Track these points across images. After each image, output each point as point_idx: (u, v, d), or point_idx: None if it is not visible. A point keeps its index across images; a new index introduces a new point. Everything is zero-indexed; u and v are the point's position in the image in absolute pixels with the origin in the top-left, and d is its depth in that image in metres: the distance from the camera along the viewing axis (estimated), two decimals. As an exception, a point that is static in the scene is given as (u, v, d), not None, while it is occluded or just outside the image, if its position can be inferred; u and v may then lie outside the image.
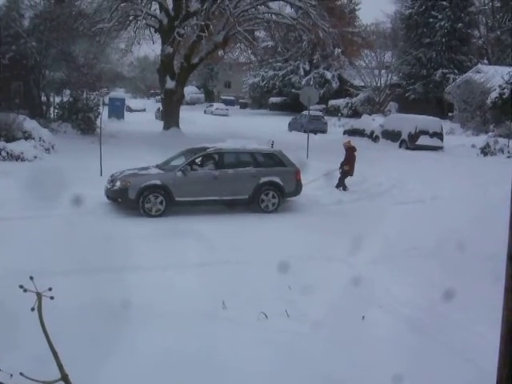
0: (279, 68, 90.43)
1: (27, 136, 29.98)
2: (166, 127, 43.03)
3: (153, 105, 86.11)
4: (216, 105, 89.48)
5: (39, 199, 16.82)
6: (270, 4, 44.70)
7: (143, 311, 10.03)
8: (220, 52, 50.66)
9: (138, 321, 9.61)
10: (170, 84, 42.80)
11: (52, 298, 2.17)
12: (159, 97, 63.43)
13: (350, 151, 25.37)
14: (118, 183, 19.45)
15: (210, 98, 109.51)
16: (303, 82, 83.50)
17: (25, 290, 2.16)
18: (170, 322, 9.81)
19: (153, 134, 37.91)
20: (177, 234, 16.18)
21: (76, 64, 45.01)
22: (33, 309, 2.16)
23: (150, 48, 51.17)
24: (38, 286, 2.41)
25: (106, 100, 54.76)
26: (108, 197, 19.87)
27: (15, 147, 28.00)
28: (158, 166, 20.83)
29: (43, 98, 45.60)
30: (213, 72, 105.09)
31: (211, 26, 40.17)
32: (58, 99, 47.83)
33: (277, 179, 20.80)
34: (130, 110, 76.73)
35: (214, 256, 13.77)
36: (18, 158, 27.66)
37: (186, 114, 46.59)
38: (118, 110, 58.51)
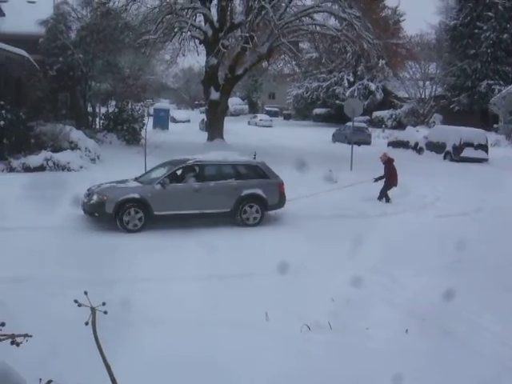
0: (323, 79, 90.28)
1: (73, 146, 30.36)
2: (210, 138, 43.18)
3: (197, 116, 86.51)
4: (260, 116, 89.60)
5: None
6: (315, 15, 44.69)
7: (190, 321, 10.10)
8: (264, 63, 50.68)
9: (187, 331, 9.69)
10: (215, 95, 42.98)
11: (105, 312, 2.21)
12: (203, 108, 63.80)
13: (389, 163, 25.13)
14: (95, 197, 18.79)
15: (253, 109, 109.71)
16: (347, 94, 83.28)
17: (79, 305, 2.21)
18: (216, 332, 9.87)
19: (197, 145, 38.00)
20: (203, 245, 16.20)
21: (121, 75, 45.58)
22: (87, 323, 2.21)
23: (195, 59, 51.72)
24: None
25: (151, 111, 55.22)
26: (85, 211, 19.20)
27: (62, 157, 28.34)
28: (137, 179, 20.22)
29: (89, 109, 46.19)
30: (257, 83, 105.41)
31: (255, 38, 40.28)
32: (103, 110, 48.41)
33: (259, 191, 20.24)
34: (175, 120, 77.20)
35: (250, 268, 13.80)
36: (65, 168, 27.99)
37: (230, 125, 46.78)
38: (162, 120, 58.90)
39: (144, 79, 55.14)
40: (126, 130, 40.84)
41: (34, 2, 47.61)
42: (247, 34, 39.80)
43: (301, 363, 8.97)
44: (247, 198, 20.10)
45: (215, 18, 43.08)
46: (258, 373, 8.54)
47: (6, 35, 36.11)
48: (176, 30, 43.99)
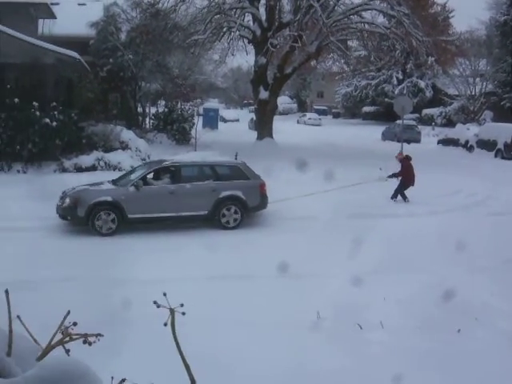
0: (372, 77, 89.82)
1: (124, 146, 30.65)
2: (260, 137, 43.24)
3: (246, 115, 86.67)
4: (309, 115, 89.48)
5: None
6: (363, 13, 44.49)
7: (246, 322, 10.18)
8: (313, 62, 50.66)
9: (242, 331, 9.76)
10: (264, 94, 43.04)
11: (183, 313, 2.26)
12: (252, 107, 63.89)
13: (405, 162, 24.61)
14: (67, 200, 18.51)
15: (302, 107, 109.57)
16: (396, 91, 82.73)
17: (158, 306, 2.25)
18: (269, 332, 9.93)
19: (246, 145, 38.15)
20: (249, 243, 16.23)
21: (171, 75, 45.93)
22: (165, 324, 2.25)
23: (244, 59, 51.68)
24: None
25: (200, 110, 55.51)
26: (59, 215, 18.84)
27: (113, 157, 28.62)
28: (113, 181, 19.77)
29: (139, 109, 46.61)
30: (305, 82, 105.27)
31: (304, 37, 40.25)
32: (153, 110, 48.81)
33: (239, 193, 19.63)
34: (224, 120, 77.49)
35: (300, 268, 13.84)
36: (116, 167, 28.24)
37: (278, 124, 46.81)
38: (212, 120, 59.18)
39: (193, 79, 55.44)
40: (176, 129, 41.17)
41: (84, 5, 48.19)
42: (296, 33, 39.81)
43: (355, 362, 9.00)
44: (226, 200, 19.56)
45: (264, 18, 43.12)
46: (315, 374, 8.59)
47: (57, 37, 36.62)
48: (224, 29, 44.17)
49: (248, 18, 44.91)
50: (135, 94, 44.78)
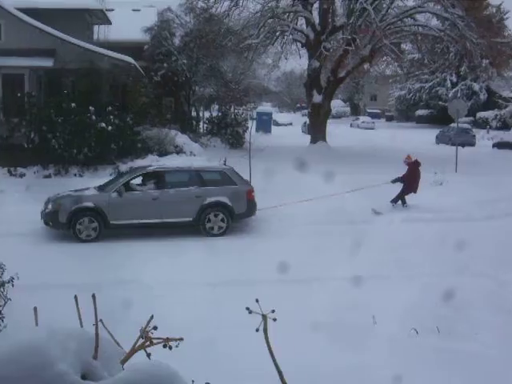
0: (426, 80, 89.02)
1: (179, 150, 30.84)
2: (313, 141, 43.15)
3: (299, 119, 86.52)
4: (362, 118, 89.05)
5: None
6: (417, 16, 44.19)
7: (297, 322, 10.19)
8: (366, 65, 50.43)
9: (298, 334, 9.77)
10: (317, 98, 42.96)
11: (275, 319, 2.28)
12: (305, 111, 63.81)
13: (413, 166, 23.39)
14: (50, 206, 18.47)
15: (355, 111, 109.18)
16: (450, 95, 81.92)
17: (250, 312, 2.27)
18: (325, 334, 9.93)
19: (300, 148, 38.11)
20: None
21: (224, 80, 46.12)
22: (257, 329, 2.26)
23: (297, 62, 51.62)
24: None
25: (254, 114, 55.61)
26: (43, 221, 18.78)
27: (167, 161, 28.81)
28: (99, 187, 19.58)
29: (193, 113, 46.89)
30: (358, 85, 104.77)
31: (357, 40, 40.16)
32: (206, 114, 49.07)
33: (224, 199, 19.25)
34: (277, 123, 77.39)
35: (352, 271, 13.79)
36: (171, 171, 28.46)
37: (332, 127, 46.68)
38: (265, 124, 59.14)
39: (246, 83, 55.55)
40: (230, 133, 41.32)
41: (138, 10, 48.65)
42: (349, 36, 39.69)
43: (412, 367, 8.96)
44: (211, 207, 19.20)
45: (317, 21, 43.10)
46: (371, 379, 8.59)
47: (112, 43, 37.04)
48: (278, 33, 44.26)
49: (301, 21, 44.96)
50: (189, 98, 45.10)
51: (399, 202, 22.95)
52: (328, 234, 17.96)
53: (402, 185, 22.99)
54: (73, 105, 28.15)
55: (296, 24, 43.83)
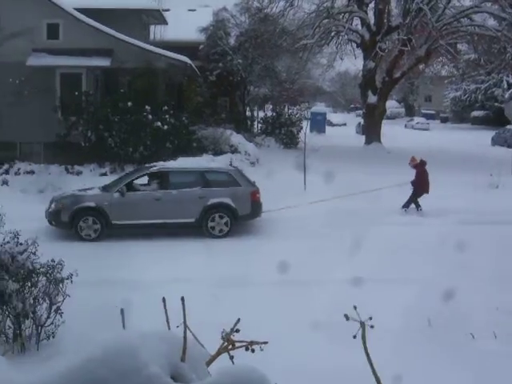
0: (481, 81, 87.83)
1: (233, 150, 30.96)
2: (368, 142, 42.97)
3: (353, 119, 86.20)
4: (416, 119, 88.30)
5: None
6: (474, 16, 43.69)
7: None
8: (421, 66, 50.03)
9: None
10: (372, 99, 42.77)
11: (372, 326, 2.26)
12: (359, 111, 63.54)
13: (419, 168, 22.76)
14: (53, 205, 18.59)
15: (410, 112, 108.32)
16: (506, 96, 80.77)
17: (347, 319, 2.26)
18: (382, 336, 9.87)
19: (354, 149, 38.05)
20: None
21: (278, 79, 46.17)
22: (355, 336, 2.25)
23: (352, 63, 51.45)
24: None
25: (307, 114, 55.57)
26: (48, 220, 18.84)
27: (222, 160, 28.91)
28: (103, 187, 19.55)
29: (248, 113, 47.03)
30: (413, 86, 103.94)
31: (413, 40, 39.88)
32: (260, 114, 49.16)
33: (227, 200, 19.01)
34: (331, 124, 77.19)
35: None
36: (225, 171, 28.55)
37: (386, 128, 46.39)
38: (319, 124, 58.99)
39: (300, 83, 55.55)
40: (284, 133, 41.32)
41: (194, 10, 48.99)
42: (405, 37, 39.41)
43: (469, 374, 8.88)
44: (214, 208, 19.01)
45: (372, 21, 42.92)
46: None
47: (169, 42, 37.40)
48: (333, 33, 44.15)
49: (356, 21, 44.75)
50: (244, 98, 45.23)
51: (412, 205, 22.47)
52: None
53: (412, 188, 22.46)
54: (129, 104, 28.42)
55: (351, 24, 43.64)
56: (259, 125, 46.21)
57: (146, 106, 28.40)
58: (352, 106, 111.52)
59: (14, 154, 29.70)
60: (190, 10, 48.82)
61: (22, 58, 28.87)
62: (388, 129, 48.95)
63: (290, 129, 41.64)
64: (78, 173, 27.98)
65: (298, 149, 35.87)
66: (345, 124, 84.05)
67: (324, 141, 43.99)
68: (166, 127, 28.48)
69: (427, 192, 22.28)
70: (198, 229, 18.95)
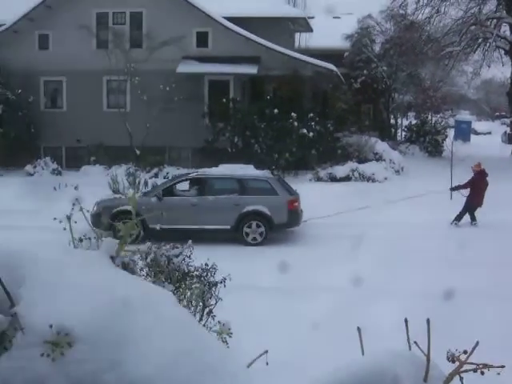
0: None
1: (378, 158, 30.84)
2: (515, 151, 41.94)
3: (498, 127, 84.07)
4: None
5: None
6: None
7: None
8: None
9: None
10: (520, 107, 41.71)
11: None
12: (505, 119, 61.94)
13: (479, 176, 21.35)
14: (95, 208, 18.97)
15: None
16: None
17: None
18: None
19: (500, 159, 37.10)
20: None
21: (422, 87, 45.66)
22: None
23: (498, 70, 50.19)
24: None
25: (451, 122, 54.63)
26: (91, 222, 18.95)
27: (367, 168, 28.88)
28: (145, 192, 20.02)
29: (391, 121, 46.76)
30: None
31: None
32: (404, 121, 48.76)
33: (263, 208, 18.97)
34: (475, 132, 75.61)
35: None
36: (369, 178, 28.45)
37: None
38: (464, 132, 57.78)
39: (444, 91, 54.70)
40: (429, 141, 40.82)
41: (338, 18, 49.07)
42: None
43: None
44: (249, 215, 19.09)
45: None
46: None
47: (314, 50, 37.62)
48: (480, 40, 43.30)
49: (505, 28, 43.72)
50: (388, 105, 44.99)
51: (467, 219, 21.03)
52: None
53: (465, 200, 21.02)
54: (275, 111, 28.81)
55: (499, 31, 42.69)
56: (403, 132, 45.89)
57: (292, 113, 28.70)
58: (497, 114, 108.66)
59: (163, 158, 30.68)
60: (334, 18, 48.97)
61: (172, 66, 29.82)
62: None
63: (435, 137, 41.07)
64: (225, 178, 28.57)
65: (443, 157, 35.37)
66: (489, 132, 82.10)
67: (469, 150, 43.11)
68: (311, 134, 28.71)
69: (480, 205, 20.89)
70: (233, 235, 19.10)
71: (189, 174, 21.04)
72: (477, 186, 21.07)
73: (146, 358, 1.40)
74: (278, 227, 19.38)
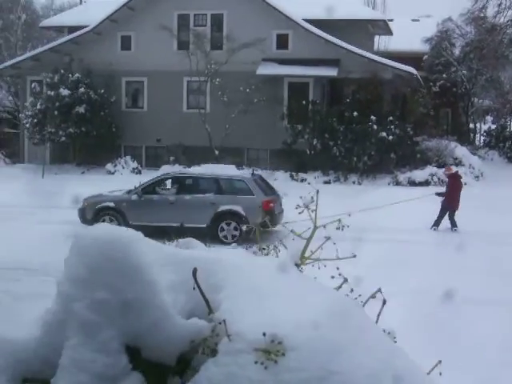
0: None
1: (457, 163, 30.46)
2: None
3: None
4: None
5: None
6: None
7: None
8: None
9: None
10: None
11: None
12: None
13: (452, 180, 21.06)
14: (81, 204, 19.39)
15: None
16: None
17: None
18: None
19: None
20: None
21: (501, 91, 44.96)
22: None
23: None
24: None
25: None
26: (79, 218, 19.62)
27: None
28: (128, 190, 20.08)
29: (471, 125, 46.19)
30: None
31: None
32: (483, 126, 48.13)
33: (238, 208, 18.88)
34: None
35: None
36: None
37: None
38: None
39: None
40: (509, 147, 40.15)
41: (417, 21, 48.75)
42: None
43: None
44: (224, 214, 19.08)
45: None
46: None
47: (393, 53, 37.40)
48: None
49: None
50: (467, 109, 44.41)
51: (446, 225, 20.29)
52: None
53: (441, 203, 20.34)
54: (354, 114, 28.76)
55: None
56: (482, 137, 45.27)
57: (371, 116, 28.61)
58: None
59: (241, 159, 30.83)
60: (413, 21, 48.65)
61: (252, 68, 30.01)
62: None
63: (518, 143, 40.42)
64: (302, 180, 28.63)
65: (524, 163, 34.83)
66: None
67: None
68: (390, 137, 28.56)
69: (456, 208, 20.15)
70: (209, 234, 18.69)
71: (169, 173, 21.65)
72: (451, 190, 20.75)
73: (361, 368, 1.46)
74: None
